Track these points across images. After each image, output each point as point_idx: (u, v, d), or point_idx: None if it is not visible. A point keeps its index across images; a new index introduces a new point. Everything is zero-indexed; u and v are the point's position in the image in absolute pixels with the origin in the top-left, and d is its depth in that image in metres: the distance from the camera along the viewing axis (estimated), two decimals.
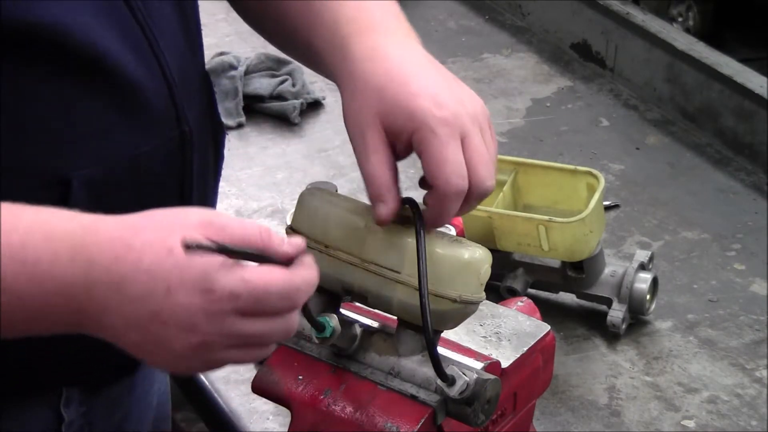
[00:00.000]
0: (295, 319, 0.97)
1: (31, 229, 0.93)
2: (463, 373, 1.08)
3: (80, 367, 1.17)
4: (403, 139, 1.07)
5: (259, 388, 1.19)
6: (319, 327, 1.08)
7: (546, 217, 1.65)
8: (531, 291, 1.75)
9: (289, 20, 1.20)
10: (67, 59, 1.03)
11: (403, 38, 1.14)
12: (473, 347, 1.20)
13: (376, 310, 1.15)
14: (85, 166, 1.06)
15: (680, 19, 4.49)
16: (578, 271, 1.72)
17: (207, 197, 1.25)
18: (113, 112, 1.08)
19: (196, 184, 1.19)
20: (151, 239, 0.93)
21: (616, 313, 1.70)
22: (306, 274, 0.96)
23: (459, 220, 1.75)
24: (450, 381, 1.08)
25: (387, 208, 1.08)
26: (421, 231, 1.07)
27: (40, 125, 1.04)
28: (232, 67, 2.32)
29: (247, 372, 1.63)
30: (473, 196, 1.08)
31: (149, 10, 1.11)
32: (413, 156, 1.09)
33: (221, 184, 2.07)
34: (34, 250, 0.92)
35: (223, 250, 0.92)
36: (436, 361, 1.06)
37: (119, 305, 0.93)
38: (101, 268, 0.93)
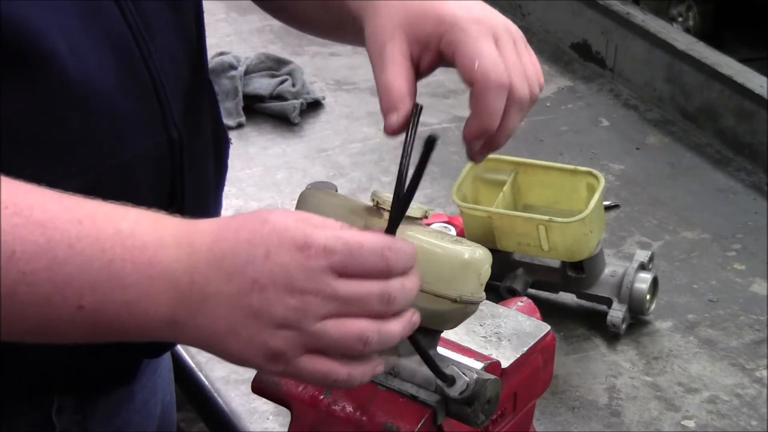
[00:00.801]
0: (397, 293, 0.95)
1: (140, 218, 0.95)
2: (463, 373, 1.08)
3: (73, 375, 1.16)
4: (432, 46, 1.06)
5: (259, 388, 1.19)
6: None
7: (546, 217, 1.65)
8: (531, 291, 1.75)
9: None
10: (49, 68, 1.01)
11: None
12: (473, 347, 1.20)
13: None
14: (74, 174, 1.06)
15: (680, 19, 4.49)
16: (578, 271, 1.72)
17: (205, 207, 1.23)
18: (100, 117, 1.07)
19: (190, 191, 1.17)
20: (247, 217, 0.96)
21: (616, 313, 1.70)
22: (403, 244, 0.96)
23: (459, 219, 1.75)
24: (450, 381, 1.08)
25: (398, 118, 1.05)
26: (413, 130, 1.04)
27: (24, 134, 1.03)
28: (232, 67, 2.32)
29: (247, 372, 1.62)
30: (512, 102, 1.05)
31: (141, 10, 1.09)
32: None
33: None
34: (141, 236, 0.93)
35: None
36: (425, 354, 1.06)
37: (220, 283, 0.94)
38: (202, 250, 0.94)
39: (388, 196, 1.07)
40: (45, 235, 0.90)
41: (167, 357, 1.41)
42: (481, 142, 1.07)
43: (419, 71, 1.09)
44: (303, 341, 0.95)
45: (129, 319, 0.93)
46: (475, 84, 1.04)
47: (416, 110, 1.04)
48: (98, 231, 0.92)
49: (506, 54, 1.06)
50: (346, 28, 1.18)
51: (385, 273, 0.95)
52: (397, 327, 0.96)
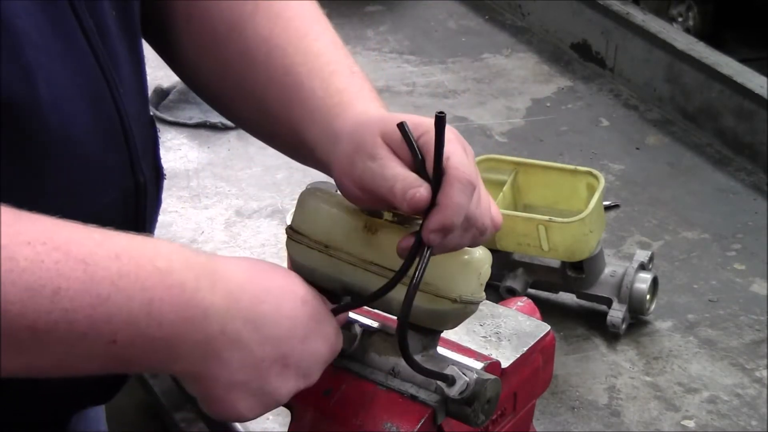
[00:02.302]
0: None
1: (171, 253, 0.96)
2: (463, 373, 1.08)
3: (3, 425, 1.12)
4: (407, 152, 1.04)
5: None
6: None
7: (546, 217, 1.65)
8: (531, 291, 1.75)
9: (268, 97, 1.17)
10: (30, 114, 0.98)
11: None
12: (473, 347, 1.20)
13: (377, 311, 1.15)
14: None
15: (680, 19, 4.49)
16: (578, 271, 1.72)
17: None
18: (75, 165, 1.04)
19: (147, 233, 1.17)
20: (283, 286, 1.02)
21: (616, 313, 1.70)
22: None
23: None
24: (450, 381, 1.08)
25: (425, 189, 1.00)
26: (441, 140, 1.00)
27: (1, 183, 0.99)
28: None
29: None
30: (475, 227, 1.04)
31: (111, 51, 1.07)
32: None
33: (221, 184, 2.09)
34: (178, 275, 0.94)
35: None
36: (404, 347, 1.06)
37: (249, 343, 0.98)
38: (244, 307, 0.98)
39: None
40: (87, 271, 0.90)
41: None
42: (440, 234, 1.02)
43: None
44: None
45: (153, 354, 0.95)
46: (445, 179, 1.01)
47: (440, 120, 1.00)
48: (138, 268, 0.93)
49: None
50: (297, 149, 1.19)
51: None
52: None
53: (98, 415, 1.37)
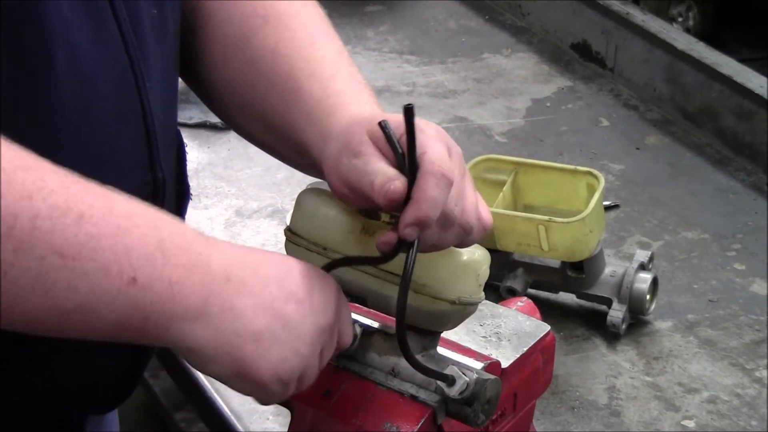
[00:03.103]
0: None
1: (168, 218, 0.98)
2: (463, 373, 1.08)
3: None
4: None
5: None
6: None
7: (546, 217, 1.65)
8: (531, 291, 1.75)
9: (269, 103, 1.18)
10: (47, 73, 1.00)
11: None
12: (473, 347, 1.20)
13: (376, 311, 1.15)
14: None
15: (680, 19, 4.49)
16: (578, 271, 1.72)
17: None
18: (93, 146, 1.05)
19: None
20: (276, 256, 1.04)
21: (616, 313, 1.70)
22: None
23: None
24: (450, 381, 1.08)
25: (400, 182, 1.01)
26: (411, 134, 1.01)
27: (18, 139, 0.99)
28: None
29: None
30: (454, 222, 1.04)
31: (141, 44, 1.08)
32: None
33: (221, 184, 2.09)
34: (180, 224, 0.98)
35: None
36: (405, 346, 1.06)
37: (256, 287, 0.99)
38: (235, 257, 0.99)
39: None
40: (107, 203, 0.92)
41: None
42: (416, 228, 1.02)
43: None
44: (304, 365, 1.02)
45: (168, 301, 0.94)
46: (420, 172, 1.01)
47: (408, 112, 1.01)
48: (146, 210, 0.95)
49: (455, 165, 1.04)
50: (293, 152, 1.18)
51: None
52: None
53: (111, 416, 1.37)
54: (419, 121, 1.03)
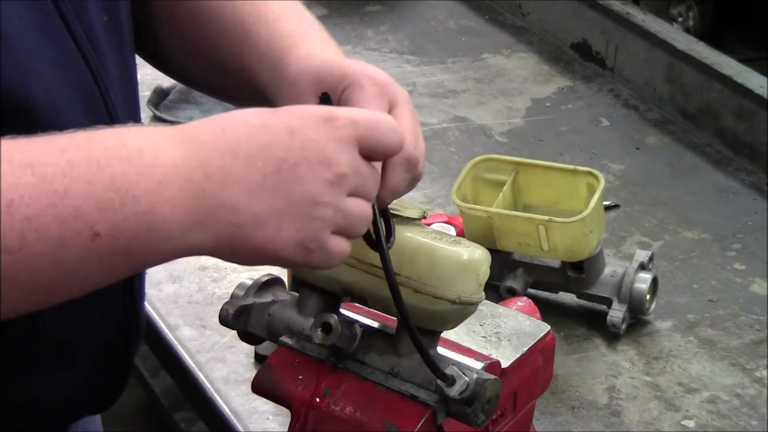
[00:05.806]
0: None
1: (121, 132, 0.91)
2: (463, 373, 1.08)
3: None
4: (335, 97, 1.05)
5: (258, 388, 1.19)
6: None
7: (546, 217, 1.65)
8: (531, 291, 1.75)
9: (220, 50, 1.18)
10: (26, 120, 0.96)
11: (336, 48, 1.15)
12: (473, 347, 1.20)
13: (376, 311, 1.15)
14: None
15: (680, 19, 4.49)
16: (578, 271, 1.72)
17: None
18: None
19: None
20: (249, 111, 0.95)
21: (616, 313, 1.70)
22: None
23: (459, 219, 1.75)
24: (450, 381, 1.08)
25: None
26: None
27: None
28: None
29: (247, 372, 1.63)
30: (401, 159, 1.01)
31: (99, 55, 1.06)
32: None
33: None
34: (134, 145, 0.89)
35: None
36: (425, 353, 1.06)
37: (239, 170, 0.91)
38: (209, 141, 0.91)
39: None
40: (35, 174, 0.85)
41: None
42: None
43: None
44: (336, 221, 0.94)
45: (147, 234, 0.89)
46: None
47: (326, 100, 1.02)
48: (87, 152, 0.88)
49: (402, 117, 1.04)
50: (251, 97, 1.16)
51: (398, 149, 0.98)
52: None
53: (94, 417, 1.37)
54: (358, 68, 1.06)
